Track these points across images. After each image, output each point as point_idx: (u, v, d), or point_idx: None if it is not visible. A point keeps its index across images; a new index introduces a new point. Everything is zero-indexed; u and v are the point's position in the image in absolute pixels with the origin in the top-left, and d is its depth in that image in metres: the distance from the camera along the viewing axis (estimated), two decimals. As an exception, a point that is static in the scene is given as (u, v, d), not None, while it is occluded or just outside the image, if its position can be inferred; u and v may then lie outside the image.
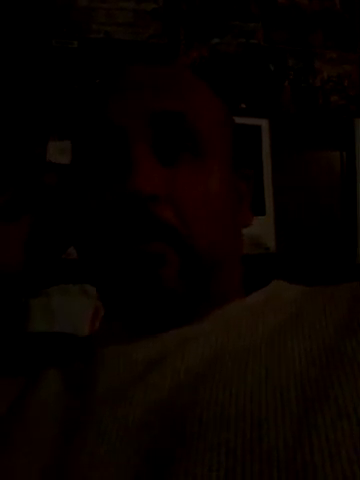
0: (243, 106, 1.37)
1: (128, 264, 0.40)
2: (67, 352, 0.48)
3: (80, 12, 1.35)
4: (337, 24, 1.51)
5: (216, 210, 0.43)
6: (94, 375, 0.41)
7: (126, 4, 1.38)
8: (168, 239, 0.40)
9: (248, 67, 1.42)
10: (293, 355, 0.36)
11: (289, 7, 1.48)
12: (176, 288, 0.40)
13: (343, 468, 0.28)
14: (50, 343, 0.52)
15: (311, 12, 1.49)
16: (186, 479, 0.30)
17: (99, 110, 0.44)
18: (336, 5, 1.52)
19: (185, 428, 0.32)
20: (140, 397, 0.36)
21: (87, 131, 0.45)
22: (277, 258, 1.30)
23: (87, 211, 0.43)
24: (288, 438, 0.30)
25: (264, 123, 1.38)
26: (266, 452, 0.29)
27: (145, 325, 0.43)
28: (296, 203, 1.36)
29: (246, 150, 1.32)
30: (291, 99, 1.42)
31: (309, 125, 1.42)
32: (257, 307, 0.44)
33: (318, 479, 0.27)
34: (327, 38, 1.49)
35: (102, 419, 0.36)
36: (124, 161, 0.41)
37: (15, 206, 0.46)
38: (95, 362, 0.42)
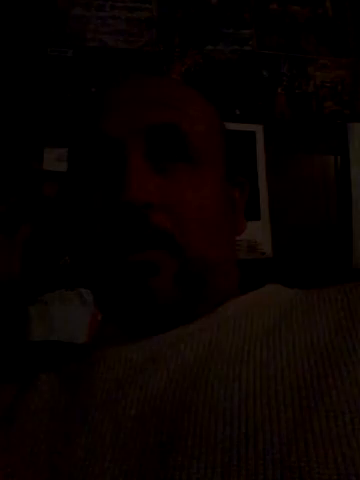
0: (237, 112, 1.38)
1: (122, 274, 0.41)
2: (64, 359, 0.48)
3: (75, 21, 1.36)
4: (329, 30, 1.52)
5: (210, 217, 0.44)
6: (90, 375, 0.41)
7: (120, 13, 1.39)
8: (164, 246, 0.41)
9: (242, 73, 1.43)
10: (287, 353, 0.37)
11: (281, 13, 1.49)
12: (170, 294, 0.41)
13: (337, 465, 0.28)
14: (48, 353, 0.53)
15: (303, 18, 1.51)
16: (181, 476, 0.30)
17: (94, 122, 0.45)
18: (328, 11, 1.53)
19: (180, 425, 0.33)
20: (135, 396, 0.37)
21: (82, 142, 0.45)
22: (273, 263, 1.31)
23: (83, 221, 0.44)
24: (283, 435, 0.30)
25: (259, 129, 1.38)
26: (261, 448, 0.30)
27: (140, 329, 0.43)
28: (291, 208, 1.36)
29: (241, 156, 1.32)
30: (285, 105, 1.43)
31: (303, 130, 1.43)
32: (251, 306, 0.44)
33: (312, 476, 0.28)
34: (320, 44, 1.50)
35: (97, 417, 0.37)
36: (119, 171, 0.41)
37: (14, 216, 0.46)
38: (91, 363, 0.43)
